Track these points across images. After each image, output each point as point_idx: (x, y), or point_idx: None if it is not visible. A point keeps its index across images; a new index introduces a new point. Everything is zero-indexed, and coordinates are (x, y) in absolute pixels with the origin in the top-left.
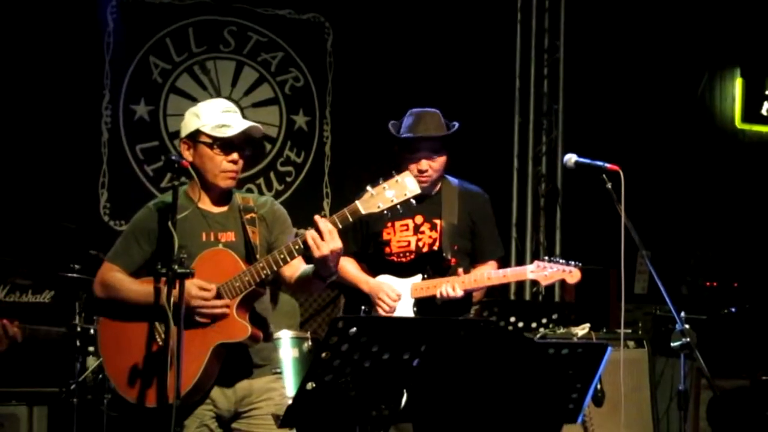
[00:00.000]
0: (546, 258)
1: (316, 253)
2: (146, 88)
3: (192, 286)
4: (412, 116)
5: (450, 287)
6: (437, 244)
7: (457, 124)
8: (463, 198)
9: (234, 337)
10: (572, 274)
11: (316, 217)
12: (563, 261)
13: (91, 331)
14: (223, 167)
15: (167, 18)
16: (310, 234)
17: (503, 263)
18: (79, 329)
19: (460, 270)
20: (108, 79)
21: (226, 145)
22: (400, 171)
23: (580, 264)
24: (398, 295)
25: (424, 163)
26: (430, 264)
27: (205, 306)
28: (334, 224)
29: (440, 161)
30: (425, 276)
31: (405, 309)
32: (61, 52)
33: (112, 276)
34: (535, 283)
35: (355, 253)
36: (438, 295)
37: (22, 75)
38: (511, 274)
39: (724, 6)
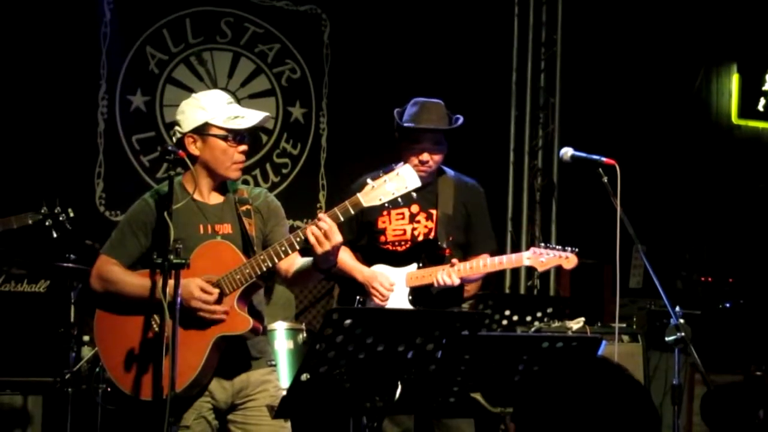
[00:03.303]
0: (542, 244)
1: (319, 250)
2: (143, 78)
3: (195, 287)
4: (416, 105)
5: (446, 275)
6: (432, 233)
7: (461, 118)
8: (459, 189)
9: (235, 329)
10: (569, 259)
11: (320, 215)
12: (560, 247)
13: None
14: (235, 158)
15: (164, 9)
16: (312, 230)
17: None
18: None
19: (455, 260)
20: (104, 70)
21: (238, 136)
22: (399, 158)
23: (576, 249)
24: (392, 285)
25: (426, 155)
26: (425, 253)
27: (204, 310)
28: (336, 217)
29: (441, 153)
30: (420, 265)
31: (400, 298)
32: (57, 43)
33: (109, 269)
34: (530, 275)
35: (349, 241)
36: (435, 284)
37: (18, 65)
38: (507, 261)
39: (722, 2)
